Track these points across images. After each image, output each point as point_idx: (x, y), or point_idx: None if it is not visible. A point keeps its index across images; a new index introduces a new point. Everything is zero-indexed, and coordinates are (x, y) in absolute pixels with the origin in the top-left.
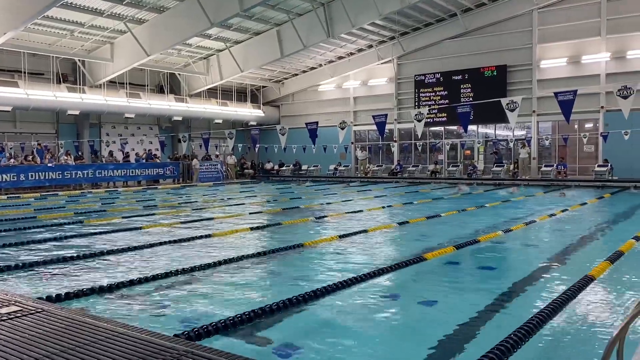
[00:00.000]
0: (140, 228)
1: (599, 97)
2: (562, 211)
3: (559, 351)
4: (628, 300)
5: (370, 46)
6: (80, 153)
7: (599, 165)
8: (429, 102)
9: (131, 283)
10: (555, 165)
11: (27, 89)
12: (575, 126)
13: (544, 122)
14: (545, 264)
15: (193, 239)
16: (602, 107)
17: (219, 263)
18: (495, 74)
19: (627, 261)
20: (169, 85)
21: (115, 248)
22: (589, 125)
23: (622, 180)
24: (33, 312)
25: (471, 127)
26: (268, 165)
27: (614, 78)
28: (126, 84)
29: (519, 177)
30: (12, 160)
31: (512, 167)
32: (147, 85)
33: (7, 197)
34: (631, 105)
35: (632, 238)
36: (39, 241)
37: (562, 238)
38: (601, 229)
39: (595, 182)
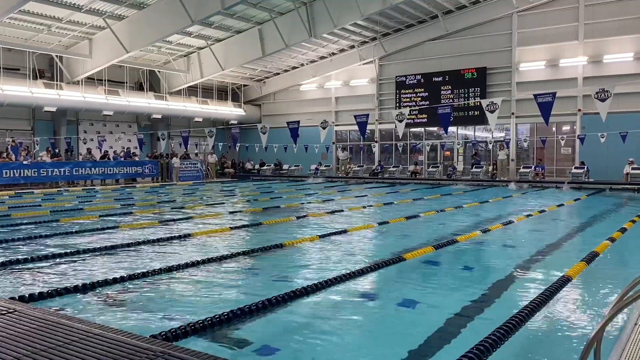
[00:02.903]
0: (117, 227)
1: (576, 100)
2: (540, 212)
3: (537, 351)
4: (604, 301)
5: (352, 47)
6: (57, 150)
7: (575, 167)
8: (410, 103)
9: (107, 283)
10: (533, 166)
11: (2, 85)
12: (553, 128)
13: (522, 124)
14: (523, 264)
15: (171, 238)
16: (579, 109)
17: (198, 263)
18: (475, 76)
19: (602, 262)
20: (149, 82)
21: (92, 247)
22: (566, 128)
23: (598, 182)
24: (5, 312)
25: (451, 129)
26: (248, 165)
27: (591, 82)
28: (105, 80)
29: (497, 178)
30: None
31: (491, 168)
32: (126, 83)
33: None
34: (608, 109)
35: (607, 239)
36: (13, 240)
37: (539, 239)
38: (577, 230)
39: (571, 183)
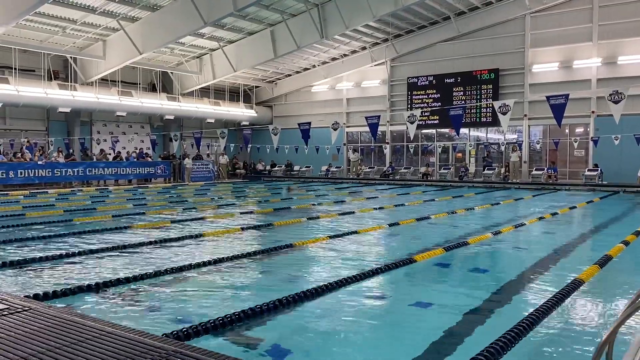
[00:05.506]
0: (130, 227)
1: (589, 102)
2: (552, 215)
3: (549, 354)
4: (617, 304)
5: (364, 48)
6: (71, 151)
7: (589, 170)
8: (422, 105)
9: (120, 282)
10: (545, 169)
11: (18, 86)
12: (566, 130)
13: (535, 126)
14: (535, 267)
15: (183, 238)
16: (592, 111)
17: (209, 263)
18: (487, 77)
19: (615, 265)
20: (161, 83)
21: (105, 247)
22: (579, 130)
23: (611, 185)
24: (20, 310)
25: (463, 130)
26: (260, 166)
27: (605, 83)
28: (118, 81)
29: (509, 181)
30: (1, 157)
31: (503, 170)
32: (139, 84)
33: None
34: (622, 111)
35: (621, 242)
36: (27, 239)
37: (552, 241)
38: (590, 232)
39: (585, 186)
